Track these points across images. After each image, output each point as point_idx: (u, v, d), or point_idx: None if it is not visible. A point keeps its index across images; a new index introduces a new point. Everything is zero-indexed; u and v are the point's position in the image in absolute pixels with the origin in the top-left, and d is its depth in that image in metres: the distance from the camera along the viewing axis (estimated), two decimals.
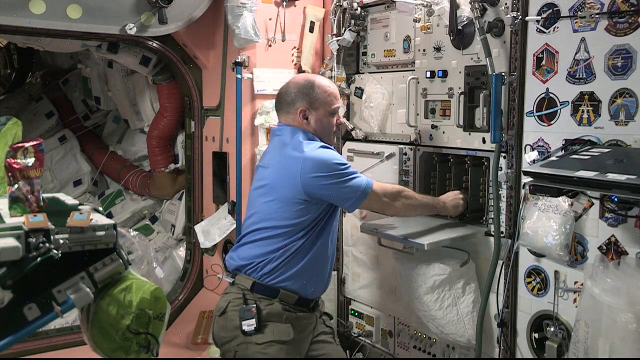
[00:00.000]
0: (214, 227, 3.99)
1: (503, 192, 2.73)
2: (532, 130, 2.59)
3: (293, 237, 2.60)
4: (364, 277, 3.55)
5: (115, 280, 1.96)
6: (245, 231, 2.72)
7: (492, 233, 2.74)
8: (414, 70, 3.17)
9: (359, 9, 3.48)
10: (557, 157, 2.33)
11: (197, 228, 4.13)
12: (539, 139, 2.55)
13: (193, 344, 4.00)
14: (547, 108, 2.52)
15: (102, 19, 3.38)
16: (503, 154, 2.70)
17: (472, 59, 2.83)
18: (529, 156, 2.54)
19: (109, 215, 5.45)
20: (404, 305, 3.16)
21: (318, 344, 2.79)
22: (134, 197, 5.72)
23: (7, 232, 1.72)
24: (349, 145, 3.60)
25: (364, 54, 3.58)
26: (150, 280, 2.08)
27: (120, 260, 1.93)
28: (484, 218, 2.88)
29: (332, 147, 2.75)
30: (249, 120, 3.79)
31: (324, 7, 3.88)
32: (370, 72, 3.55)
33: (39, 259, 1.71)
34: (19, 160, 1.89)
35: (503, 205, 2.73)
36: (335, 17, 3.59)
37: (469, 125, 2.86)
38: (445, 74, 2.96)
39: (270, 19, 3.76)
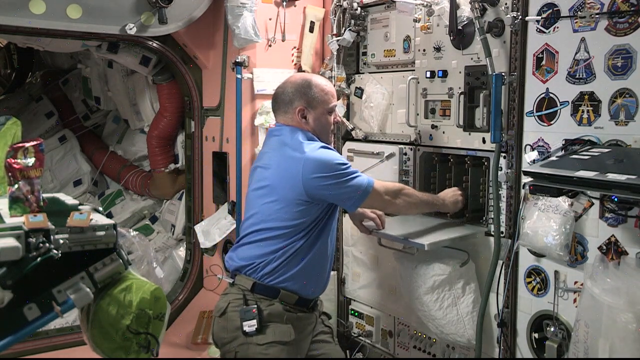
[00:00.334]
0: (214, 227, 3.99)
1: (503, 192, 2.73)
2: (532, 130, 2.59)
3: (294, 237, 2.60)
4: (364, 277, 3.55)
5: (115, 280, 1.96)
6: (245, 232, 2.72)
7: (492, 233, 2.74)
8: (414, 70, 3.17)
9: (359, 9, 3.48)
10: (557, 157, 2.33)
11: (197, 228, 4.13)
12: (539, 139, 2.55)
13: (193, 344, 4.00)
14: (547, 108, 2.52)
15: (102, 19, 3.38)
16: (503, 154, 2.70)
17: (472, 59, 2.83)
18: (529, 156, 2.54)
19: (109, 215, 5.45)
20: (404, 305, 3.16)
21: (317, 344, 2.79)
22: (134, 197, 5.72)
23: (7, 232, 1.72)
24: (349, 145, 3.60)
25: (364, 54, 3.59)
26: (150, 280, 2.08)
27: (120, 260, 1.93)
28: (484, 218, 2.88)
29: (332, 147, 2.75)
30: (249, 120, 3.79)
31: (324, 7, 3.88)
32: (370, 72, 3.55)
33: (39, 259, 1.71)
34: (19, 160, 1.89)
35: (503, 205, 2.73)
36: (335, 17, 3.59)
37: (469, 125, 2.86)
38: (445, 74, 2.96)
39: (270, 19, 3.76)
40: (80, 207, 2.01)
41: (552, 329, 2.51)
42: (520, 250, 2.64)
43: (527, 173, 2.27)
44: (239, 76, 3.70)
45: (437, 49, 3.00)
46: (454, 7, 2.80)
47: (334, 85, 3.44)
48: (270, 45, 3.77)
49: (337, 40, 3.53)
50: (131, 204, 5.66)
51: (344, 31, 3.51)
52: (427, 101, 3.08)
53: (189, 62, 4.12)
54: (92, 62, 5.72)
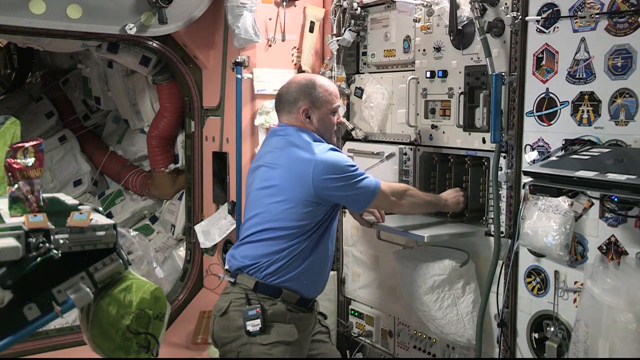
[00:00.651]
0: (214, 227, 3.99)
1: (503, 192, 2.73)
2: (532, 130, 2.59)
3: (299, 238, 2.60)
4: (364, 277, 3.55)
5: (115, 280, 1.96)
6: (248, 231, 2.71)
7: (492, 233, 2.74)
8: (414, 70, 3.17)
9: (359, 9, 3.48)
10: (557, 157, 2.33)
11: (197, 228, 4.13)
12: (539, 139, 2.55)
13: (193, 344, 4.00)
14: (547, 108, 2.52)
15: (102, 19, 3.38)
16: (503, 154, 2.70)
17: (472, 59, 2.83)
18: (529, 156, 2.54)
19: (109, 215, 5.45)
20: (404, 305, 3.16)
21: (315, 344, 2.80)
22: (134, 197, 5.72)
23: (7, 232, 1.72)
24: (349, 145, 3.60)
25: (364, 54, 3.58)
26: (150, 280, 2.08)
27: (120, 260, 1.93)
28: (484, 218, 2.88)
29: (339, 149, 2.77)
30: (249, 120, 3.79)
31: (324, 7, 3.88)
32: (370, 72, 3.55)
33: (39, 259, 1.71)
34: (19, 160, 1.89)
35: (503, 205, 2.73)
36: (335, 17, 3.59)
37: (469, 125, 2.86)
38: (445, 74, 2.96)
39: (270, 19, 3.75)
40: (80, 207, 2.01)
41: (552, 329, 2.51)
42: (520, 250, 2.64)
43: (527, 173, 2.27)
44: (239, 76, 3.70)
45: (437, 49, 3.00)
46: (454, 7, 2.79)
47: None
48: (270, 45, 3.77)
49: (337, 40, 3.53)
50: (131, 204, 5.66)
51: (344, 31, 3.51)
52: (427, 101, 3.08)
53: (189, 62, 4.12)
54: (92, 62, 5.72)
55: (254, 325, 2.53)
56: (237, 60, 3.68)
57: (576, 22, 2.39)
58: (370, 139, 3.52)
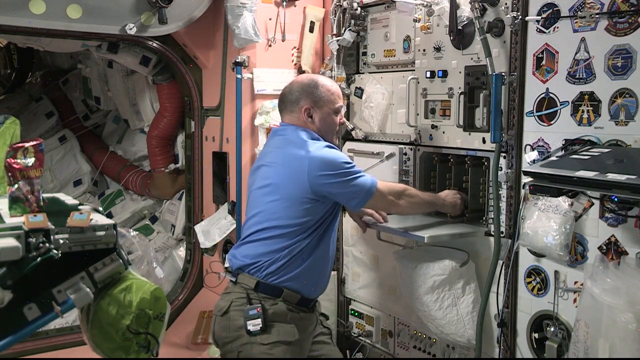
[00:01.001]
0: (214, 227, 3.99)
1: (503, 192, 2.73)
2: (532, 130, 2.58)
3: (299, 236, 2.60)
4: (364, 277, 3.55)
5: (115, 280, 1.96)
6: (249, 230, 2.71)
7: (492, 233, 2.74)
8: (414, 70, 3.17)
9: (359, 9, 3.47)
10: (557, 157, 2.33)
11: (197, 228, 4.13)
12: (539, 139, 2.55)
13: (193, 344, 4.00)
14: (547, 108, 2.51)
15: (102, 19, 3.39)
16: (503, 154, 2.70)
17: (472, 59, 2.83)
18: (529, 156, 2.54)
19: (109, 215, 5.45)
20: (404, 305, 3.16)
21: (317, 345, 2.80)
22: (134, 197, 5.72)
23: (7, 232, 1.72)
24: (349, 145, 3.60)
25: (364, 54, 3.58)
26: (150, 280, 2.08)
27: (120, 260, 1.93)
28: (484, 218, 2.88)
29: (337, 147, 2.76)
30: (249, 120, 3.79)
31: (324, 7, 3.87)
32: (370, 72, 3.55)
33: (39, 259, 1.71)
34: (19, 160, 1.89)
35: (503, 205, 2.73)
36: (335, 17, 3.59)
37: (469, 125, 2.86)
38: (445, 74, 2.96)
39: (270, 19, 3.75)
40: (80, 207, 2.01)
41: (552, 329, 2.51)
42: (520, 250, 2.64)
43: (527, 173, 2.27)
44: (239, 76, 3.70)
45: (437, 49, 3.00)
46: (454, 7, 2.79)
47: None
48: (270, 45, 3.77)
49: (337, 40, 3.53)
50: (131, 204, 5.66)
51: (344, 31, 3.51)
52: (427, 101, 3.08)
53: (189, 62, 4.12)
54: (92, 62, 5.72)
55: (254, 324, 2.53)
56: (237, 60, 3.68)
57: (576, 22, 2.39)
58: (370, 139, 3.52)
